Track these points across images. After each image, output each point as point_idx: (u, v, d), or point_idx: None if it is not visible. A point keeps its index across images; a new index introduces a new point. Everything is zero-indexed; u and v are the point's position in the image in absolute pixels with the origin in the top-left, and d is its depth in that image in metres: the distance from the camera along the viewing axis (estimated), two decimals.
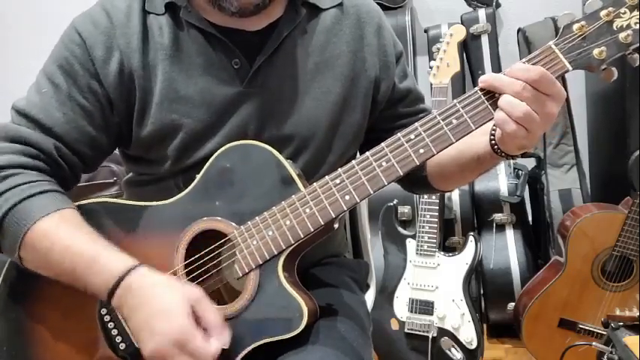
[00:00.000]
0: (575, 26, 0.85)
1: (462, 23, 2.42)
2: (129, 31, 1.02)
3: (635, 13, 0.83)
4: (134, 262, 0.91)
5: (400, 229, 2.12)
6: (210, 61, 1.03)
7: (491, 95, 0.87)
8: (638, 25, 0.83)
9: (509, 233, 2.33)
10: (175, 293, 0.88)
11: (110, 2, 1.04)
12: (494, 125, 0.91)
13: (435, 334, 2.01)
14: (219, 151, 0.98)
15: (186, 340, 0.84)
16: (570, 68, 0.86)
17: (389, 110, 1.16)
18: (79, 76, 1.01)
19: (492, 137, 0.93)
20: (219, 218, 0.96)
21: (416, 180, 1.17)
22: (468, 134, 0.88)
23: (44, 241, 0.92)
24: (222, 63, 1.03)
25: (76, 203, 1.00)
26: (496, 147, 0.93)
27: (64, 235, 0.92)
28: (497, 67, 2.45)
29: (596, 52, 0.85)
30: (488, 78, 0.87)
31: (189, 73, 1.02)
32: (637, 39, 0.83)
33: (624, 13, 0.83)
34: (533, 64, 0.86)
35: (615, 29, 0.84)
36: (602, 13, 0.84)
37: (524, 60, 0.87)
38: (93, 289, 0.91)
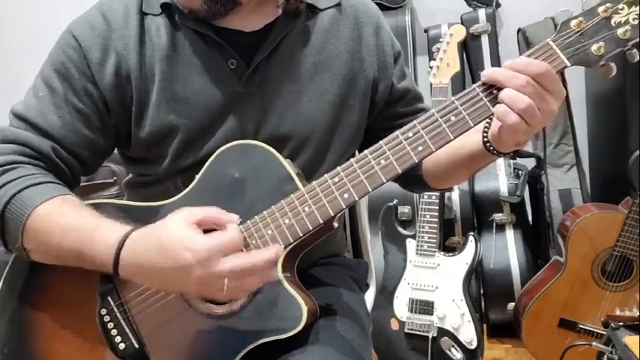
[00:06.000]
0: (573, 22, 0.85)
1: (462, 23, 2.41)
2: (126, 33, 1.02)
3: (634, 8, 0.83)
4: (128, 228, 0.89)
5: (400, 229, 2.12)
6: (206, 61, 1.03)
7: (490, 92, 0.87)
8: (636, 20, 0.83)
9: (509, 233, 2.32)
10: (171, 223, 0.87)
11: (107, 5, 1.04)
12: (487, 122, 0.91)
13: (435, 334, 2.01)
14: (218, 151, 0.98)
15: (211, 246, 0.83)
16: (568, 64, 0.86)
17: (387, 110, 1.16)
18: (75, 79, 1.01)
19: (485, 135, 0.94)
20: None
21: (412, 178, 1.17)
22: (466, 131, 0.88)
23: (46, 223, 0.91)
24: (219, 63, 1.03)
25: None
26: (488, 144, 0.94)
27: (66, 214, 0.91)
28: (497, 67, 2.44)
29: (594, 47, 0.85)
30: (490, 72, 0.86)
31: (186, 74, 1.02)
32: (636, 34, 0.83)
33: (622, 8, 0.84)
34: None
35: (613, 25, 0.84)
36: (600, 9, 0.84)
37: (522, 56, 0.87)
38: (99, 262, 0.89)
